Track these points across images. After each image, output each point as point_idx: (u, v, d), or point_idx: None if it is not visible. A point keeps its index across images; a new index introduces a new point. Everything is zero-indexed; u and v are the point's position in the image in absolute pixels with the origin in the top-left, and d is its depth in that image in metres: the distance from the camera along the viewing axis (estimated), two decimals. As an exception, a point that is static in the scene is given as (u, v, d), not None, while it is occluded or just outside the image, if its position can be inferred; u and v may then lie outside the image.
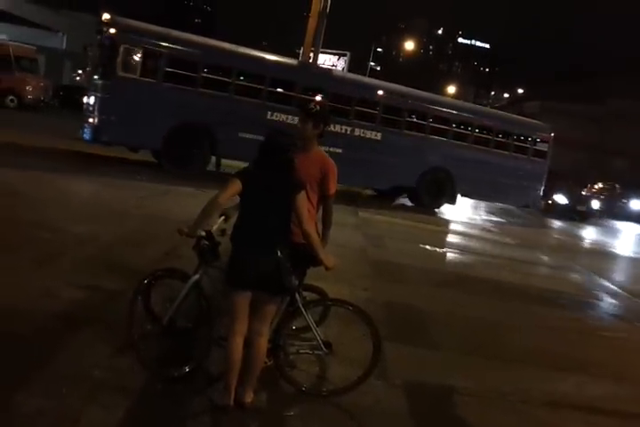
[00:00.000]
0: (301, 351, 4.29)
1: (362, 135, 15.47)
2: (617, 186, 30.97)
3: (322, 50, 22.80)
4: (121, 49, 12.71)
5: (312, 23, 20.03)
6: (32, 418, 3.35)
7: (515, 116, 21.00)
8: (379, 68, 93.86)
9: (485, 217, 20.14)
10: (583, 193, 26.64)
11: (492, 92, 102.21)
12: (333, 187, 4.34)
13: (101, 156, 14.26)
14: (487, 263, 10.84)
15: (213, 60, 13.93)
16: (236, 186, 3.66)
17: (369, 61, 55.01)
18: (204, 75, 13.70)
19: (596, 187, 30.51)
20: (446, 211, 18.16)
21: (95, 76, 13.38)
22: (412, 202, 17.39)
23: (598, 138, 40.92)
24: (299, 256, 3.93)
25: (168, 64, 13.28)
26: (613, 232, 23.38)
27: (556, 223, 21.80)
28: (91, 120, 13.05)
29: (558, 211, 23.58)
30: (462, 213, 19.47)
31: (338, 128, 14.68)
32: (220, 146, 13.81)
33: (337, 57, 33.80)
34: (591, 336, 7.31)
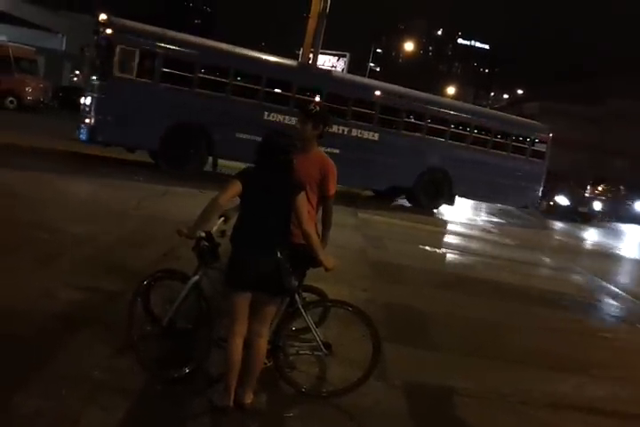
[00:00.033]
0: (301, 352, 4.29)
1: (359, 136, 15.45)
2: (622, 187, 30.69)
3: (321, 51, 22.79)
4: (117, 49, 12.71)
5: (312, 24, 20.02)
6: (31, 419, 3.34)
7: (513, 116, 20.97)
8: (378, 69, 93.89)
9: (485, 218, 20.14)
10: (586, 195, 26.42)
11: (492, 93, 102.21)
12: (333, 188, 4.34)
13: (100, 156, 14.25)
14: (487, 264, 10.83)
15: (210, 60, 13.93)
16: (237, 187, 3.65)
17: (368, 62, 54.96)
18: (201, 75, 13.70)
19: (599, 188, 30.22)
20: (446, 212, 18.17)
21: (92, 77, 13.38)
22: (409, 202, 17.37)
23: (598, 138, 40.91)
24: (298, 257, 3.92)
25: (164, 64, 13.28)
26: (616, 234, 23.22)
27: (558, 225, 21.72)
28: (87, 120, 13.06)
29: (560, 212, 23.42)
30: (462, 214, 19.47)
31: (335, 128, 14.67)
32: (217, 146, 13.81)
33: (336, 58, 33.85)
34: (591, 337, 7.30)
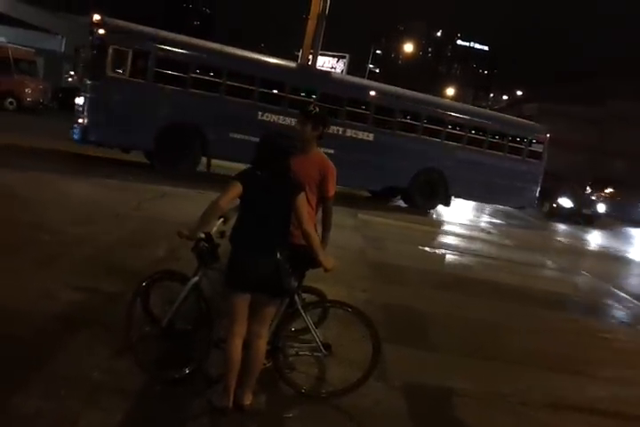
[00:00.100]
0: (300, 353, 4.29)
1: (354, 136, 15.43)
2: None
3: (321, 52, 22.82)
4: (110, 49, 12.71)
5: (311, 25, 20.04)
6: (31, 420, 3.35)
7: (509, 116, 20.91)
8: (378, 71, 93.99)
9: (485, 219, 20.12)
10: (593, 197, 26.14)
11: (491, 94, 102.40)
12: (332, 189, 4.34)
13: (100, 157, 14.25)
14: (486, 265, 10.83)
15: (203, 60, 13.89)
16: (237, 188, 3.65)
17: (368, 63, 55.03)
18: (194, 75, 13.68)
19: (606, 191, 29.83)
20: (447, 212, 18.16)
21: (85, 77, 13.40)
22: (405, 203, 17.31)
23: (598, 140, 40.91)
24: (298, 258, 3.92)
25: (157, 64, 13.27)
26: (620, 236, 23.04)
27: (560, 227, 21.55)
28: (80, 120, 13.06)
29: (563, 214, 23.17)
30: (462, 215, 19.46)
31: (330, 129, 14.60)
32: (211, 146, 13.79)
33: (336, 59, 33.92)
34: (591, 338, 7.30)
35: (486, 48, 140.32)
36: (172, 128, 13.27)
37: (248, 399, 3.80)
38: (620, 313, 9.21)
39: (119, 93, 12.96)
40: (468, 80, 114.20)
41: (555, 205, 23.67)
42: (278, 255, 3.70)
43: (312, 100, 14.67)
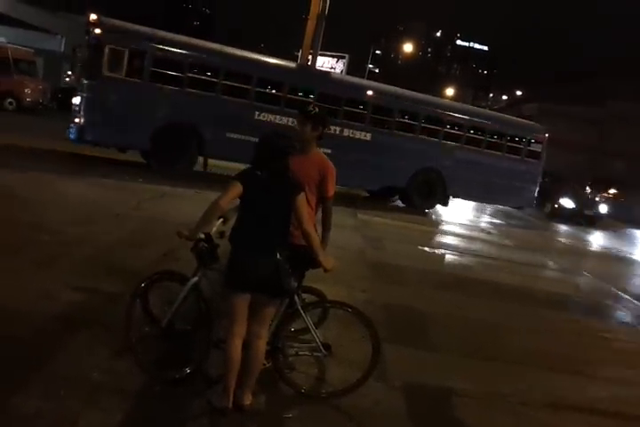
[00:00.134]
0: (300, 353, 4.28)
1: (351, 136, 15.40)
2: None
3: (320, 52, 22.81)
4: (106, 49, 12.70)
5: (311, 26, 20.03)
6: (30, 420, 3.35)
7: (508, 116, 20.86)
8: (377, 71, 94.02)
9: (485, 219, 20.11)
10: (597, 198, 25.89)
11: (491, 95, 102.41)
12: (332, 189, 4.34)
13: (99, 157, 14.25)
14: (487, 265, 10.83)
15: (199, 59, 13.87)
16: (237, 188, 3.65)
17: (367, 64, 55.03)
18: (191, 75, 13.67)
19: (610, 192, 29.47)
20: (446, 212, 18.16)
21: (82, 77, 13.41)
22: (403, 203, 17.26)
23: (598, 140, 40.91)
24: (298, 258, 3.92)
25: (154, 64, 13.27)
26: (622, 237, 22.82)
27: (561, 227, 21.39)
28: (76, 120, 13.06)
29: (564, 215, 22.96)
30: (463, 215, 19.46)
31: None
32: (208, 146, 13.78)
33: (335, 59, 33.90)
34: (591, 338, 7.30)
35: (486, 48, 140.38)
36: (168, 128, 13.25)
37: (248, 400, 3.80)
38: (620, 313, 9.21)
39: (115, 93, 12.96)
40: (467, 80, 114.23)
41: (556, 206, 23.51)
42: (278, 255, 3.70)
43: (309, 99, 14.66)
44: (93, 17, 12.89)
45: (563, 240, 18.40)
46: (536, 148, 18.15)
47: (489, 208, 22.85)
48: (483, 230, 16.26)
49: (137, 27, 13.86)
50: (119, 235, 7.76)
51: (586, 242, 19.30)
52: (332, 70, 30.86)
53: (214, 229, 4.05)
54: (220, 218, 4.04)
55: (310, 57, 20.52)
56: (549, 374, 5.63)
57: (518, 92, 75.03)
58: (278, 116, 14.27)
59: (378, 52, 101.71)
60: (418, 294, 7.75)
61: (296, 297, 4.01)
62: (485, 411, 4.60)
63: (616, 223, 25.47)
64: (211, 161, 14.32)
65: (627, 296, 10.45)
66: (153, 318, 4.42)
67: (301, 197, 3.79)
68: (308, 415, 3.98)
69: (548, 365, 5.88)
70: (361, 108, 15.74)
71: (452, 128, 16.88)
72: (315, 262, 3.96)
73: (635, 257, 17.06)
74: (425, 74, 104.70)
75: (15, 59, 25.61)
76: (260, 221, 3.71)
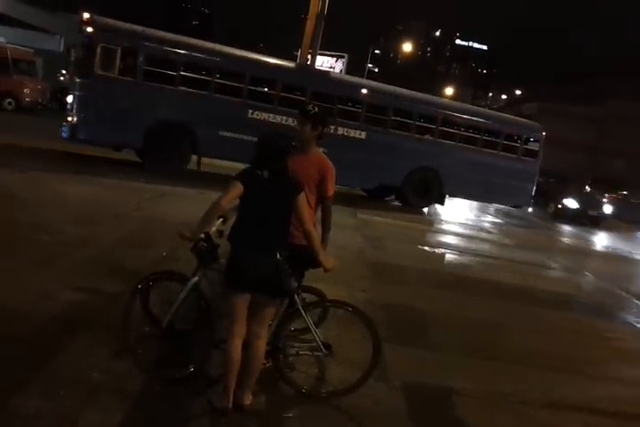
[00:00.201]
0: (301, 353, 4.28)
1: (345, 134, 15.32)
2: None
3: (320, 52, 22.78)
4: (99, 48, 12.71)
5: (310, 25, 20.01)
6: (30, 420, 3.34)
7: (505, 115, 20.80)
8: (377, 70, 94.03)
9: (487, 219, 20.09)
10: (604, 199, 25.63)
11: (490, 94, 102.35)
12: (332, 188, 4.33)
13: (100, 157, 14.25)
14: (487, 265, 10.83)
15: (192, 58, 13.82)
16: (238, 188, 3.64)
17: (367, 63, 55.03)
18: (183, 73, 13.64)
19: (621, 193, 29.04)
20: (447, 212, 18.15)
21: (75, 76, 13.41)
22: (399, 202, 17.20)
23: (598, 139, 40.90)
24: (298, 258, 3.92)
25: (146, 62, 13.26)
26: (625, 238, 22.33)
27: (565, 228, 21.23)
28: (70, 119, 13.06)
29: (568, 216, 22.68)
30: (463, 214, 19.45)
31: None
32: (201, 145, 13.76)
33: (335, 59, 33.88)
34: (591, 338, 7.30)
35: (485, 47, 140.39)
36: (160, 126, 13.25)
37: (248, 400, 3.80)
38: (620, 312, 9.20)
39: (108, 91, 12.94)
40: (466, 79, 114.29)
41: (560, 206, 23.26)
42: (278, 256, 3.70)
43: (302, 98, 14.60)
44: (86, 16, 12.91)
45: (565, 240, 18.36)
46: (533, 146, 18.08)
47: (490, 208, 22.81)
48: (483, 230, 16.24)
49: (129, 25, 13.83)
50: (119, 235, 7.76)
51: (588, 242, 19.22)
52: (331, 70, 30.85)
53: (213, 228, 4.05)
54: (219, 217, 4.03)
55: (309, 56, 20.50)
56: (550, 373, 5.63)
57: (518, 92, 75.04)
58: (272, 115, 14.25)
59: (377, 51, 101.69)
60: (418, 293, 7.75)
61: (296, 297, 4.00)
62: (486, 410, 4.60)
63: (621, 224, 25.27)
64: (204, 159, 14.31)
65: (625, 294, 10.45)
66: (153, 317, 4.42)
67: (302, 197, 3.79)
68: (308, 415, 3.98)
69: (549, 364, 5.88)
70: (355, 107, 15.68)
71: (448, 127, 16.80)
72: (315, 262, 3.95)
73: (636, 257, 17.02)
74: (424, 73, 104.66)
75: (14, 59, 25.59)
76: (260, 221, 3.70)
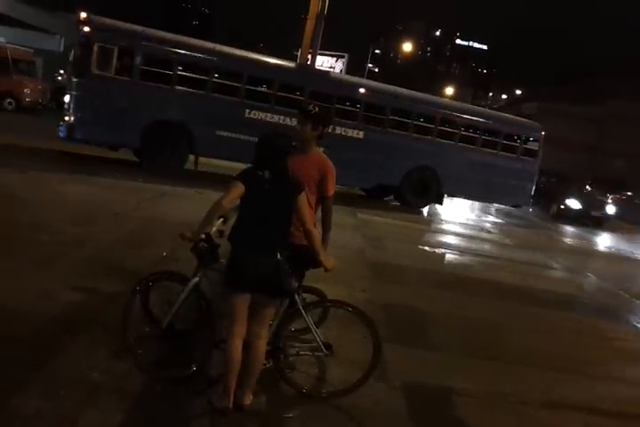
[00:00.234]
0: (301, 353, 4.27)
1: (343, 133, 15.24)
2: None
3: (320, 52, 22.78)
4: (95, 47, 12.70)
5: (310, 25, 20.01)
6: (30, 420, 3.34)
7: (504, 114, 20.76)
8: (377, 70, 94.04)
9: (487, 219, 20.08)
10: (608, 200, 25.45)
11: (490, 94, 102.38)
12: (332, 188, 4.33)
13: (99, 157, 14.25)
14: (487, 265, 10.82)
15: (189, 57, 13.81)
16: (239, 188, 3.64)
17: (367, 63, 55.01)
18: (180, 73, 13.63)
19: (625, 194, 28.79)
20: (447, 212, 18.14)
21: (72, 75, 13.42)
22: (397, 201, 17.18)
23: (598, 139, 40.91)
24: (298, 258, 3.91)
25: (143, 62, 13.25)
26: (628, 239, 22.14)
27: (567, 228, 21.13)
28: (66, 118, 13.05)
29: (571, 216, 22.53)
30: (463, 214, 19.45)
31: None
32: (198, 144, 13.75)
33: (335, 59, 33.86)
34: (592, 338, 7.30)
35: (485, 47, 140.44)
36: (157, 126, 13.24)
37: (248, 400, 3.79)
38: (620, 311, 9.19)
39: (105, 91, 12.93)
40: (467, 79, 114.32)
41: (562, 207, 23.12)
42: (278, 256, 3.69)
43: (300, 97, 14.57)
44: (83, 15, 12.90)
45: (566, 240, 18.32)
46: (532, 146, 18.05)
47: (491, 208, 22.79)
48: (484, 230, 16.23)
49: (126, 25, 13.82)
50: (119, 235, 7.75)
51: (590, 242, 19.16)
52: (332, 70, 30.83)
53: (214, 228, 4.04)
54: (220, 217, 4.03)
55: (310, 56, 20.51)
56: (550, 373, 5.62)
57: (518, 92, 75.06)
58: (269, 114, 14.25)
59: (377, 51, 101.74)
60: (418, 293, 7.75)
61: (297, 297, 4.00)
62: (486, 410, 4.60)
63: (624, 225, 25.15)
64: (202, 159, 14.30)
65: (625, 294, 10.45)
66: (153, 317, 4.42)
67: (302, 197, 3.79)
68: (308, 415, 3.98)
69: (549, 364, 5.88)
70: (353, 106, 15.65)
71: (446, 126, 16.77)
72: (315, 262, 3.95)
73: (632, 255, 17.01)
74: (424, 73, 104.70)
75: (14, 59, 25.57)
76: (261, 221, 3.70)
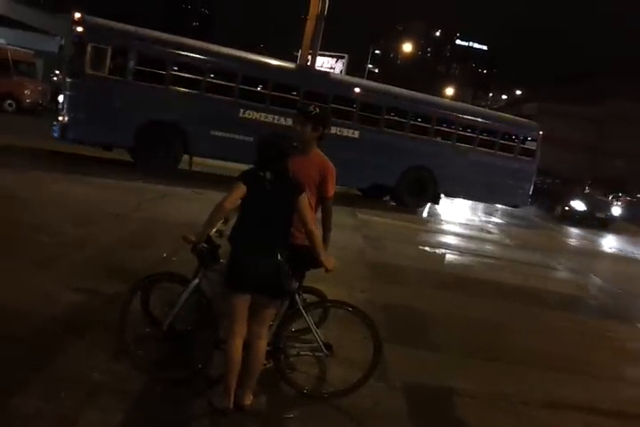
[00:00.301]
0: (302, 353, 4.27)
1: (338, 133, 15.14)
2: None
3: (320, 52, 22.81)
4: (89, 47, 12.70)
5: (310, 26, 20.03)
6: (30, 420, 3.34)
7: (501, 114, 20.71)
8: (377, 71, 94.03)
9: (487, 219, 20.07)
10: (615, 202, 25.22)
11: (490, 94, 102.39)
12: (332, 189, 4.33)
13: (99, 158, 14.25)
14: (488, 265, 10.82)
15: (183, 57, 13.79)
16: (241, 189, 3.63)
17: (367, 64, 55.02)
18: (174, 72, 13.62)
19: (636, 196, 28.50)
20: (447, 212, 18.13)
21: (65, 75, 13.43)
22: (393, 201, 17.16)
23: (597, 139, 40.93)
24: (298, 259, 3.91)
25: (137, 62, 13.24)
26: (631, 240, 22.03)
27: (572, 230, 21.02)
28: (60, 118, 13.06)
29: (575, 218, 22.39)
30: (464, 214, 19.44)
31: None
32: (192, 144, 13.73)
33: (335, 59, 33.89)
34: (592, 338, 7.29)
35: (485, 47, 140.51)
36: (151, 126, 13.23)
37: (248, 400, 3.79)
38: (620, 311, 9.18)
39: (98, 91, 12.92)
40: (467, 80, 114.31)
41: (567, 209, 22.95)
42: (279, 256, 3.69)
43: (295, 97, 14.57)
44: (77, 15, 12.92)
45: (570, 241, 18.27)
46: (530, 145, 17.96)
47: (491, 208, 22.75)
48: (484, 230, 16.22)
49: (119, 25, 13.81)
50: (120, 235, 7.75)
51: (595, 243, 19.08)
52: (332, 70, 30.85)
53: (214, 229, 4.04)
54: (221, 218, 4.03)
55: (310, 57, 20.52)
56: (551, 374, 5.62)
57: (518, 92, 75.06)
58: (263, 114, 14.24)
59: (377, 51, 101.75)
60: (418, 293, 7.74)
61: (297, 297, 4.00)
62: (487, 411, 4.59)
63: (631, 227, 24.95)
64: (196, 159, 14.30)
65: (625, 294, 10.44)
66: (153, 318, 4.41)
67: (303, 198, 3.78)
68: (308, 416, 3.97)
69: (550, 365, 5.87)
70: (349, 106, 15.59)
71: (443, 126, 16.73)
72: (316, 262, 3.95)
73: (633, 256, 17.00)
74: (424, 73, 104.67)
75: (15, 60, 25.59)
76: (262, 222, 3.70)
